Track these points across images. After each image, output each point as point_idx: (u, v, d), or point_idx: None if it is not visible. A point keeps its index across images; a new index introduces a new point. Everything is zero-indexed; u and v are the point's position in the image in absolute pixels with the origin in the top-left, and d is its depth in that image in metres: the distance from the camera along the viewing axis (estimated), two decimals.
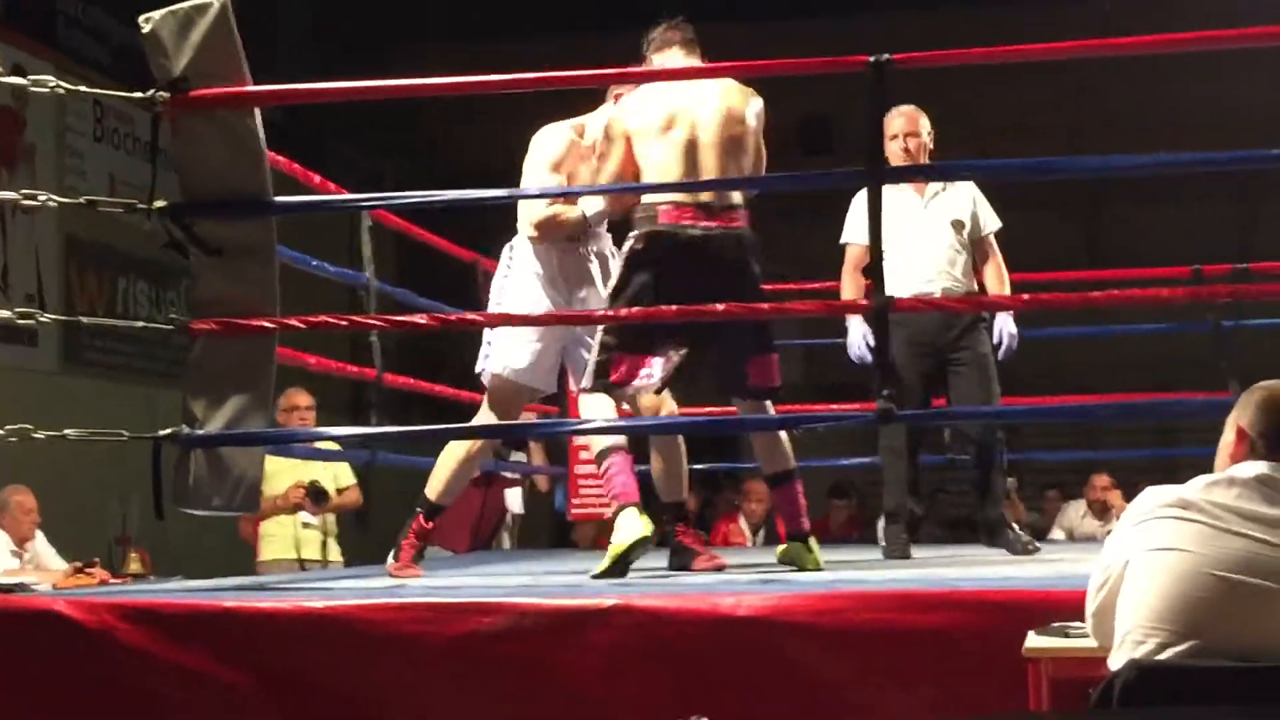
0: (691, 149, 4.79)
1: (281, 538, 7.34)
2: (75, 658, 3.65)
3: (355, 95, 4.99)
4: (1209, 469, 2.79)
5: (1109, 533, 2.89)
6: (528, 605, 3.59)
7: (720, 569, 4.95)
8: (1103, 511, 8.94)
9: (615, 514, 4.65)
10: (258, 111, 4.39)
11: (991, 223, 5.94)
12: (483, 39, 11.27)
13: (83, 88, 5.02)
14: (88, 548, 7.21)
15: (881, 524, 6.01)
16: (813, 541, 4.91)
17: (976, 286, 5.89)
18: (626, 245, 4.83)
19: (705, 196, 4.77)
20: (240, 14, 4.24)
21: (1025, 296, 5.16)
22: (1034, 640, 2.94)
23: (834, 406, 6.76)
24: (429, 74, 4.88)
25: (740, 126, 4.87)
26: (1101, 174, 8.66)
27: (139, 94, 4.25)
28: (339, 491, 7.45)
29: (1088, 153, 6.58)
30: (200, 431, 4.25)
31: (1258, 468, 2.70)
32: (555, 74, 4.53)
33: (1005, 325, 5.87)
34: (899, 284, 5.56)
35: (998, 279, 5.91)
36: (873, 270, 4.33)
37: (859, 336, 5.71)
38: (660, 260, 4.74)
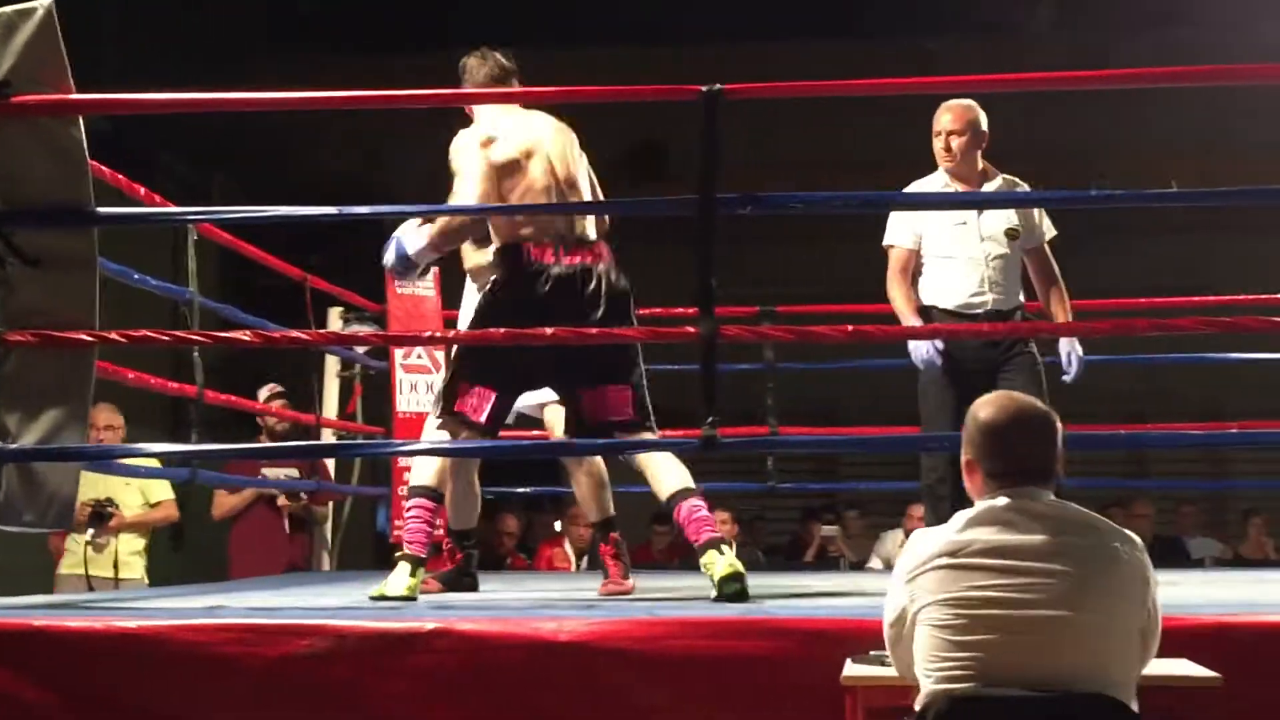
0: (552, 186, 4.81)
1: (75, 554, 7.28)
2: None
3: (180, 107, 4.91)
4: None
5: None
6: (346, 627, 3.55)
7: (618, 594, 4.99)
8: None
9: (398, 558, 4.80)
10: (81, 120, 4.31)
11: (1049, 230, 5.61)
12: (332, 51, 11.19)
13: None
14: None
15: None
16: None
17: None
18: (492, 279, 4.84)
19: (568, 231, 4.76)
20: (66, 20, 4.16)
21: (849, 328, 5.04)
22: (851, 668, 2.98)
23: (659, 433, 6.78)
24: (276, 86, 4.82)
25: (577, 163, 4.92)
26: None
27: None
28: (152, 506, 7.33)
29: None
30: (13, 446, 4.15)
31: (997, 501, 2.77)
32: (386, 93, 4.50)
33: (1071, 348, 5.55)
34: (943, 294, 5.44)
35: (1056, 293, 5.60)
36: (702, 297, 4.16)
37: (924, 343, 5.44)
38: (524, 297, 4.72)
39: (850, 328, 4.49)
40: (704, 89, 4.07)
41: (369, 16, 11.82)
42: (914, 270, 5.60)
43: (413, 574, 4.74)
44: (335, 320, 7.70)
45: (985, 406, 2.86)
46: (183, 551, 6.38)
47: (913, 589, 2.75)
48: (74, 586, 7.09)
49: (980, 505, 2.78)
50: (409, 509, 4.95)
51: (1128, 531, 2.80)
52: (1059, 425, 2.85)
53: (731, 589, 4.43)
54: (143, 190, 5.26)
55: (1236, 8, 10.57)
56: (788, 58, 10.15)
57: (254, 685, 3.49)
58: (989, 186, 5.54)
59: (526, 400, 5.37)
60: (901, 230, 5.57)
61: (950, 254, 5.49)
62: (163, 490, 7.35)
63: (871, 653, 2.98)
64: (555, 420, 5.36)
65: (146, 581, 7.39)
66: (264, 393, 7.72)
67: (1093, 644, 2.66)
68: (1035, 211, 5.56)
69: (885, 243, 5.64)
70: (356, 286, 7.68)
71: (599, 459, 5.29)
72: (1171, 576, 5.90)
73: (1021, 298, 5.60)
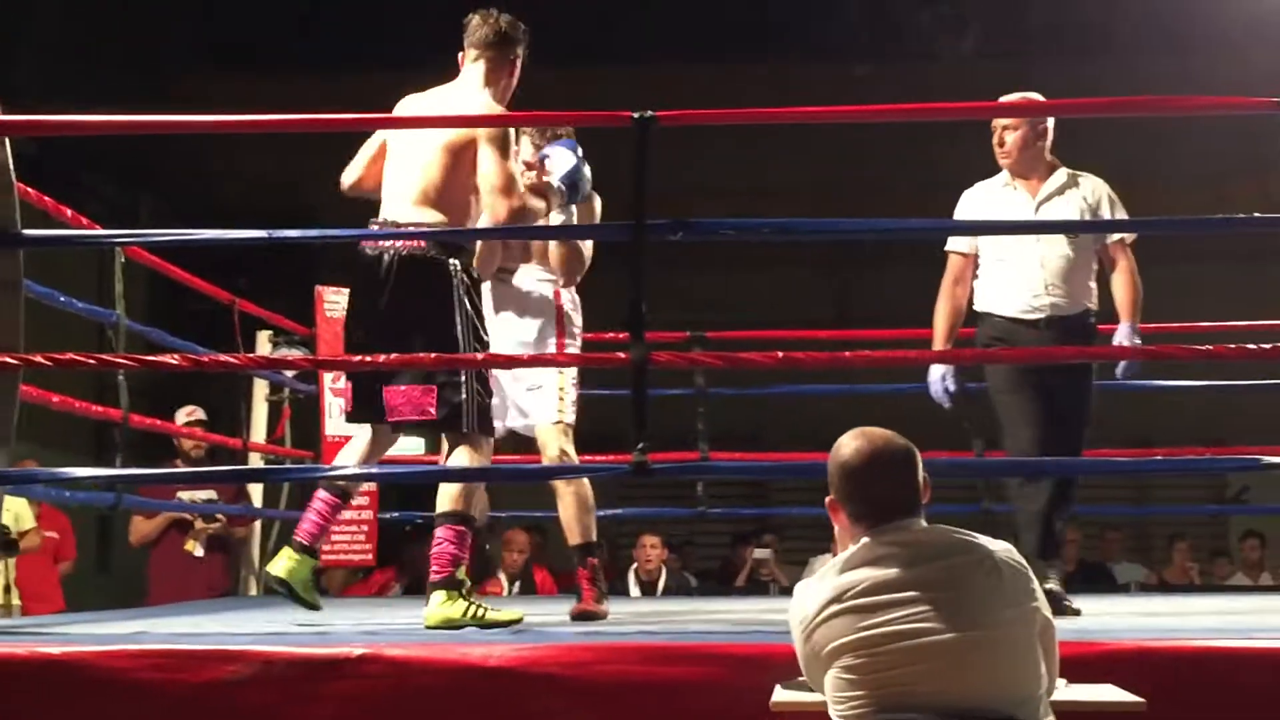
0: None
1: None
2: None
3: (106, 129, 4.88)
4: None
5: None
6: (273, 653, 3.52)
7: (592, 618, 5.01)
8: None
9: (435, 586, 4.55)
10: (8, 142, 4.27)
11: (1121, 231, 5.33)
12: (262, 72, 11.14)
13: None
14: None
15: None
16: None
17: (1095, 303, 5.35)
18: None
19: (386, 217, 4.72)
20: None
21: (779, 354, 4.97)
22: (781, 694, 2.98)
23: (588, 457, 6.78)
24: (203, 108, 4.80)
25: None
26: (852, 236, 8.87)
27: None
28: (20, 534, 7.26)
29: (836, 214, 6.70)
30: None
31: (874, 538, 2.80)
32: (314, 117, 4.48)
33: (1125, 338, 5.35)
34: (1001, 298, 5.27)
35: (1127, 291, 5.34)
36: (633, 319, 4.12)
37: (939, 376, 5.39)
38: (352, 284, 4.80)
39: (780, 354, 4.51)
40: (636, 115, 4.08)
41: (300, 37, 11.77)
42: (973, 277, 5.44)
43: (291, 556, 4.61)
44: (264, 344, 7.65)
45: (843, 448, 2.88)
46: (107, 576, 6.33)
47: (813, 642, 2.78)
48: None
49: (854, 547, 2.82)
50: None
51: (1003, 542, 2.84)
52: (918, 457, 2.88)
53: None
54: (69, 212, 5.22)
55: (1163, 39, 10.71)
56: (713, 81, 10.21)
57: (178, 711, 3.46)
58: (1051, 184, 5.33)
59: (521, 420, 5.37)
60: (958, 235, 5.41)
61: (1004, 257, 5.30)
62: (28, 518, 7.30)
63: (800, 678, 2.99)
64: (548, 440, 5.31)
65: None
66: (182, 415, 7.66)
67: (993, 660, 2.69)
68: (1106, 208, 5.28)
69: (945, 249, 5.46)
70: (285, 310, 7.64)
71: (586, 481, 5.24)
72: (1097, 602, 5.96)
73: (1093, 301, 5.37)
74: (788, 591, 9.38)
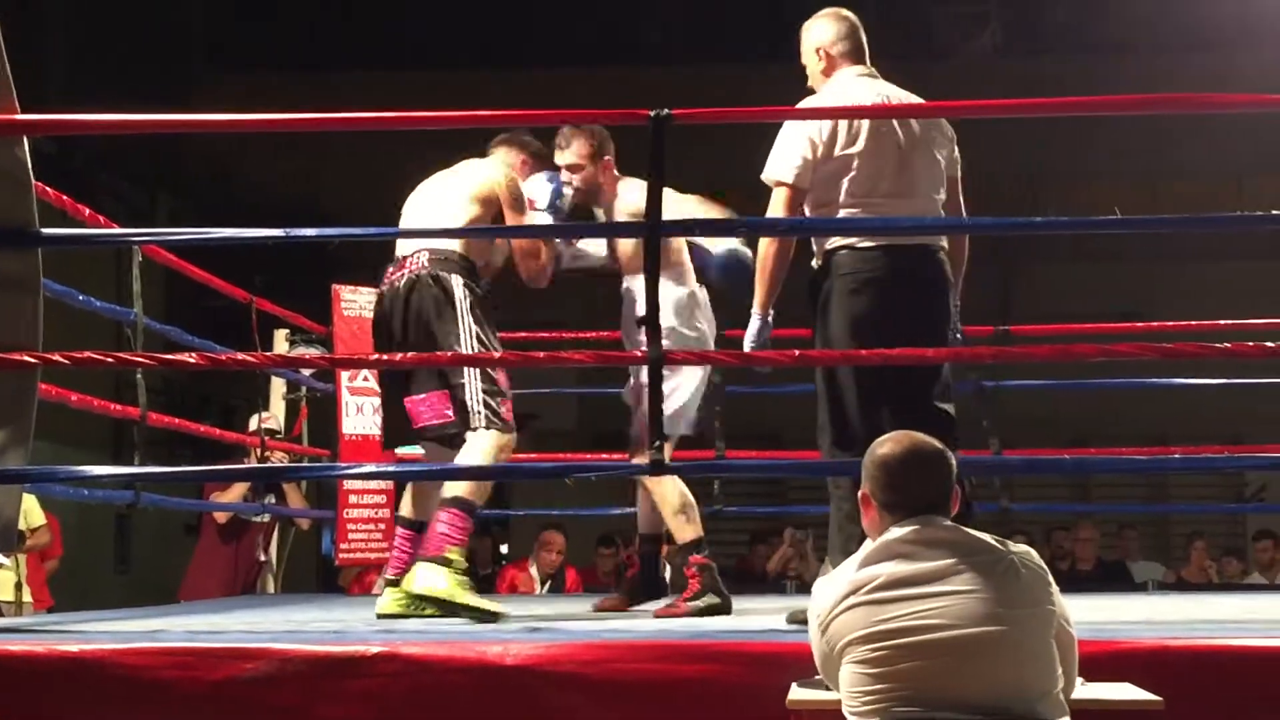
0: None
1: None
2: None
3: (125, 128, 4.90)
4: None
5: None
6: (290, 651, 3.53)
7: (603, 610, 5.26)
8: None
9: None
10: (26, 141, 4.28)
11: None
12: (278, 71, 11.15)
13: None
14: None
15: None
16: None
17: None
18: None
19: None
20: (10, 42, 4.14)
21: (796, 352, 4.96)
22: (797, 692, 2.99)
23: (605, 456, 6.79)
24: (221, 108, 4.81)
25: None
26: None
27: None
28: (32, 531, 7.26)
29: None
30: None
31: (893, 533, 2.83)
32: (330, 115, 4.48)
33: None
34: None
35: None
36: (650, 318, 4.14)
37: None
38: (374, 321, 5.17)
39: (796, 352, 4.52)
40: (653, 113, 4.07)
41: (315, 36, 11.80)
42: None
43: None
44: (281, 342, 7.67)
45: (882, 443, 2.95)
46: (125, 574, 6.35)
47: (829, 635, 2.81)
48: None
49: (878, 541, 2.85)
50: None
51: (1023, 545, 2.88)
52: (953, 463, 2.94)
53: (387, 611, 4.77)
54: (87, 211, 5.23)
55: (1181, 36, 10.69)
56: (731, 80, 10.20)
57: (197, 709, 3.46)
58: None
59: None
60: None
61: None
62: (38, 515, 7.30)
63: (816, 677, 2.99)
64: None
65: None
66: (254, 421, 7.55)
67: (1008, 657, 2.71)
68: None
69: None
70: (302, 308, 7.66)
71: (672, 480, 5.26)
72: (1115, 601, 5.95)
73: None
74: (806, 588, 9.37)
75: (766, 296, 4.60)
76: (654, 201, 4.12)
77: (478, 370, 4.85)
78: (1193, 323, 7.03)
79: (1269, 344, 4.22)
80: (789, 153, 4.50)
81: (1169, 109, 4.73)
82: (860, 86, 4.62)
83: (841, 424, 4.52)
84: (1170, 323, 7.27)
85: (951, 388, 4.56)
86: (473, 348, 4.81)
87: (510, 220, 5.03)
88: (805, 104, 4.59)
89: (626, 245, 5.35)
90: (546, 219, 5.14)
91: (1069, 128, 10.69)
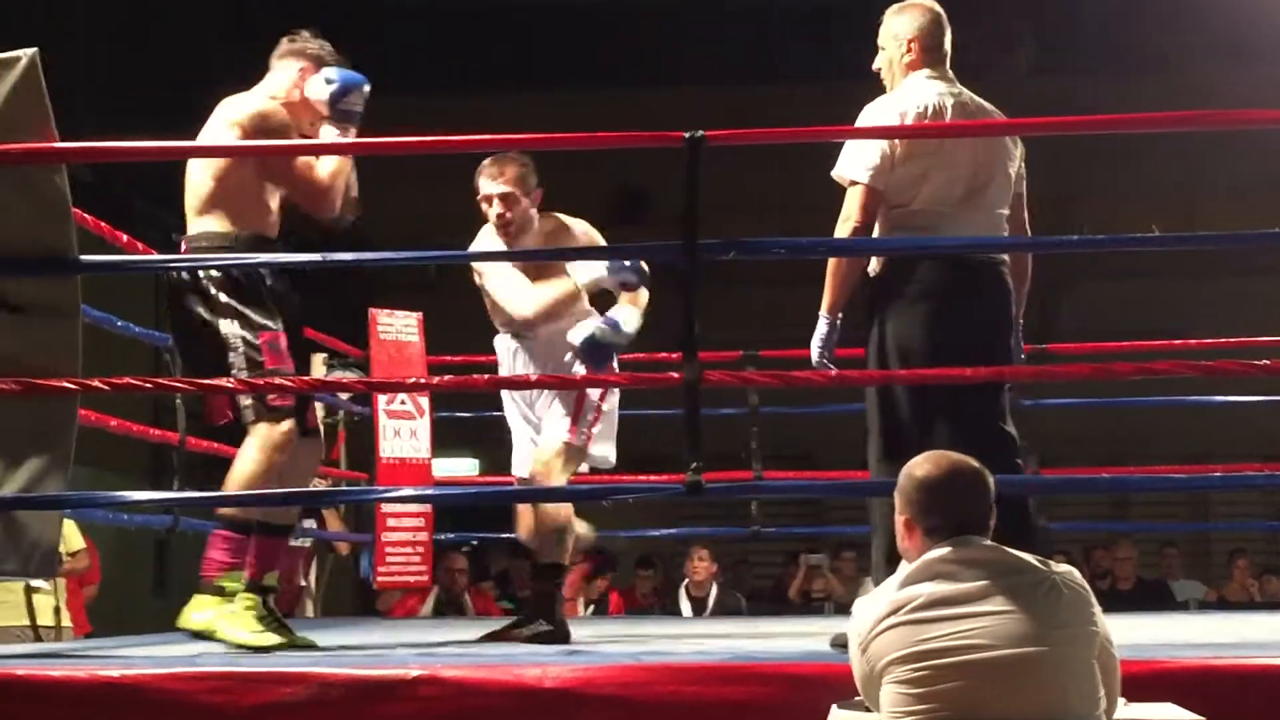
0: None
1: (12, 604, 7.14)
2: None
3: (161, 155, 4.93)
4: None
5: None
6: (330, 675, 3.53)
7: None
8: None
9: None
10: (65, 168, 4.31)
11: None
12: None
13: None
14: None
15: None
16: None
17: None
18: None
19: None
20: (49, 70, 4.17)
21: (833, 371, 4.95)
22: (837, 714, 2.97)
23: (642, 478, 6.78)
24: None
25: None
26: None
27: None
28: (71, 555, 7.27)
29: None
30: None
31: (934, 553, 2.82)
32: (361, 141, 4.50)
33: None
34: None
35: None
36: (686, 339, 4.05)
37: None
38: None
39: (834, 371, 4.50)
40: (687, 135, 4.07)
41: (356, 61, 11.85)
42: None
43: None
44: (318, 366, 7.68)
45: (919, 465, 2.94)
46: (164, 599, 6.36)
47: (870, 655, 2.80)
48: (18, 638, 6.90)
49: (918, 560, 2.84)
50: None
51: (1065, 565, 2.87)
52: (991, 481, 2.93)
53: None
54: (125, 237, 5.26)
55: (1216, 52, 10.65)
56: (767, 102, 10.21)
57: None
58: None
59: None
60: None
61: None
62: (76, 539, 7.32)
63: (857, 698, 2.98)
64: (521, 464, 5.34)
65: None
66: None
67: (1049, 678, 2.69)
68: None
69: None
70: (339, 332, 7.68)
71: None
72: (1156, 619, 5.92)
73: None
74: (844, 609, 9.37)
75: (835, 299, 4.47)
76: (689, 224, 4.09)
77: (241, 349, 4.44)
78: (1232, 340, 6.99)
79: None
80: (867, 149, 4.37)
81: (1205, 126, 4.70)
82: (935, 91, 4.51)
83: (896, 440, 4.36)
84: (1209, 339, 7.23)
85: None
86: (239, 340, 4.45)
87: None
88: (875, 105, 4.53)
89: (541, 299, 5.15)
90: (334, 132, 4.59)
91: (1104, 145, 10.65)
